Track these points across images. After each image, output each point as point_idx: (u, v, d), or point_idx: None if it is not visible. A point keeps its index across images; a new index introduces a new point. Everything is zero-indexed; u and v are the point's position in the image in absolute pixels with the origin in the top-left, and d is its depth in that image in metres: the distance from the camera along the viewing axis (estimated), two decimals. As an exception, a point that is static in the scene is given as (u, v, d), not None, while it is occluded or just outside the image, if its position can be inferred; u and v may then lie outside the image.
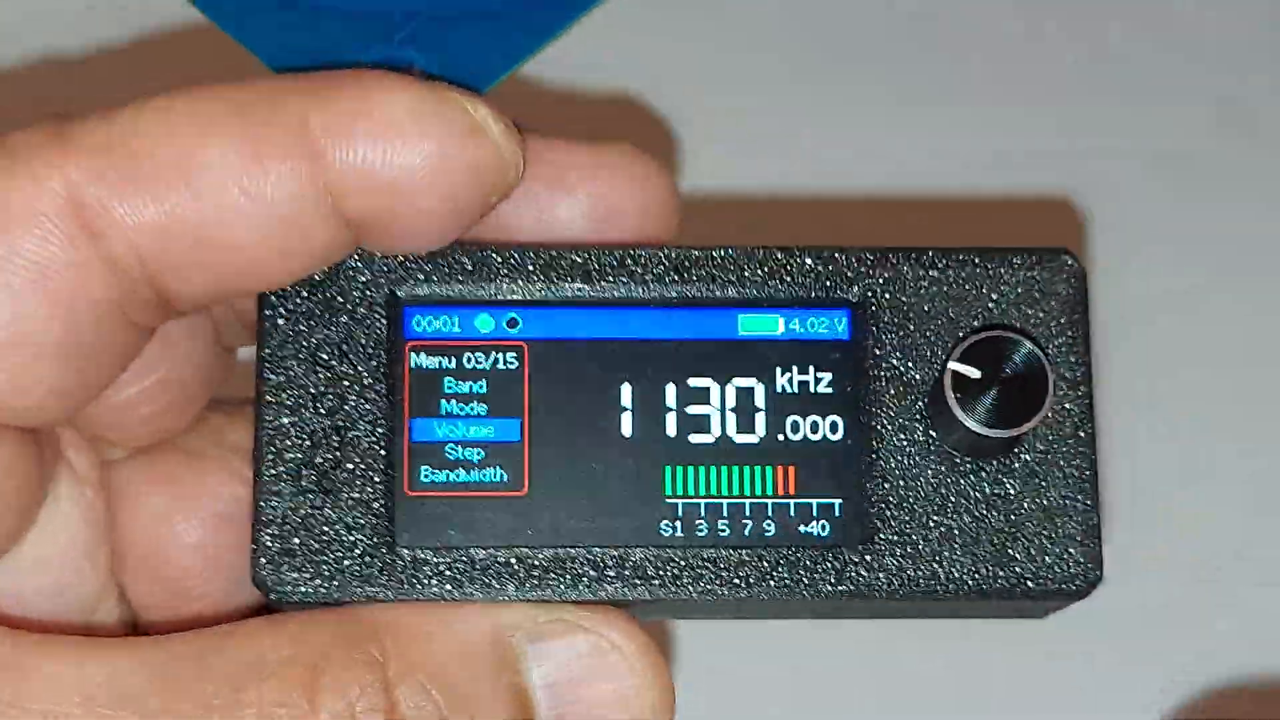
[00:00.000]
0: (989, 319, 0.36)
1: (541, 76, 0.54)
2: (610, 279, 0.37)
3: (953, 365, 0.35)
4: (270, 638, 0.34)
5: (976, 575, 0.36)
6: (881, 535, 0.36)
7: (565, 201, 0.38)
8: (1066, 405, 0.36)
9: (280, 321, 0.36)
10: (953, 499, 0.36)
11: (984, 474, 0.36)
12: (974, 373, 0.35)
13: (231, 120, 0.33)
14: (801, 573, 0.36)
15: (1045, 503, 0.36)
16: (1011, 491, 0.36)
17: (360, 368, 0.36)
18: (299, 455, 0.36)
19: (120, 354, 0.35)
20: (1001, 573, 0.36)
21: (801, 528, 0.36)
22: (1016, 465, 0.36)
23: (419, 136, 0.34)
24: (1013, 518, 0.36)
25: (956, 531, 0.36)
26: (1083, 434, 0.36)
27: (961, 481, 0.36)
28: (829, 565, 0.36)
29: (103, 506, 0.39)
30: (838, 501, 0.36)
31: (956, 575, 0.36)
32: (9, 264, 0.33)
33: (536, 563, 0.36)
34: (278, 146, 0.33)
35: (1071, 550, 0.36)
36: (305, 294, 0.36)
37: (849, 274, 0.37)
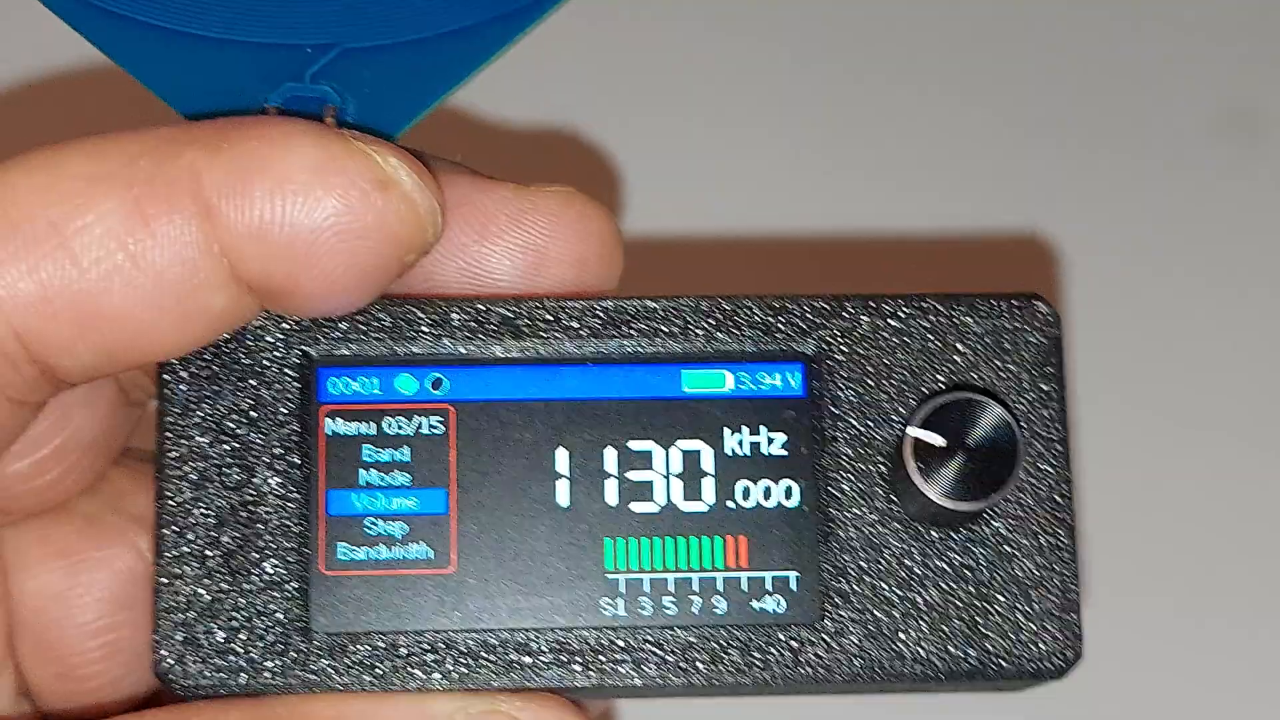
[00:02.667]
0: (954, 373, 0.34)
1: (472, 107, 0.50)
2: (543, 334, 0.34)
3: (913, 432, 0.32)
4: None
5: (945, 656, 0.33)
6: (841, 612, 0.33)
7: (494, 250, 0.34)
8: (1041, 466, 0.33)
9: (181, 388, 0.33)
10: (918, 571, 0.33)
11: (951, 543, 0.33)
12: (937, 440, 0.32)
13: (116, 177, 0.30)
14: (755, 654, 0.33)
15: (1019, 574, 0.33)
16: (982, 562, 0.33)
17: (270, 436, 0.33)
18: (204, 534, 0.33)
19: (3, 433, 0.32)
20: (972, 652, 0.33)
21: (755, 604, 0.33)
22: (987, 533, 0.33)
23: (322, 193, 0.31)
24: (983, 591, 0.33)
25: (923, 607, 0.33)
26: (1059, 498, 0.33)
27: (927, 552, 0.33)
28: (784, 645, 0.33)
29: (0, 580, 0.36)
30: (794, 574, 0.33)
31: (923, 655, 0.33)
32: None
33: (466, 648, 0.33)
34: (168, 205, 0.30)
35: (1048, 626, 0.33)
36: (209, 357, 0.33)
37: (802, 325, 0.34)
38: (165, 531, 0.33)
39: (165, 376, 0.33)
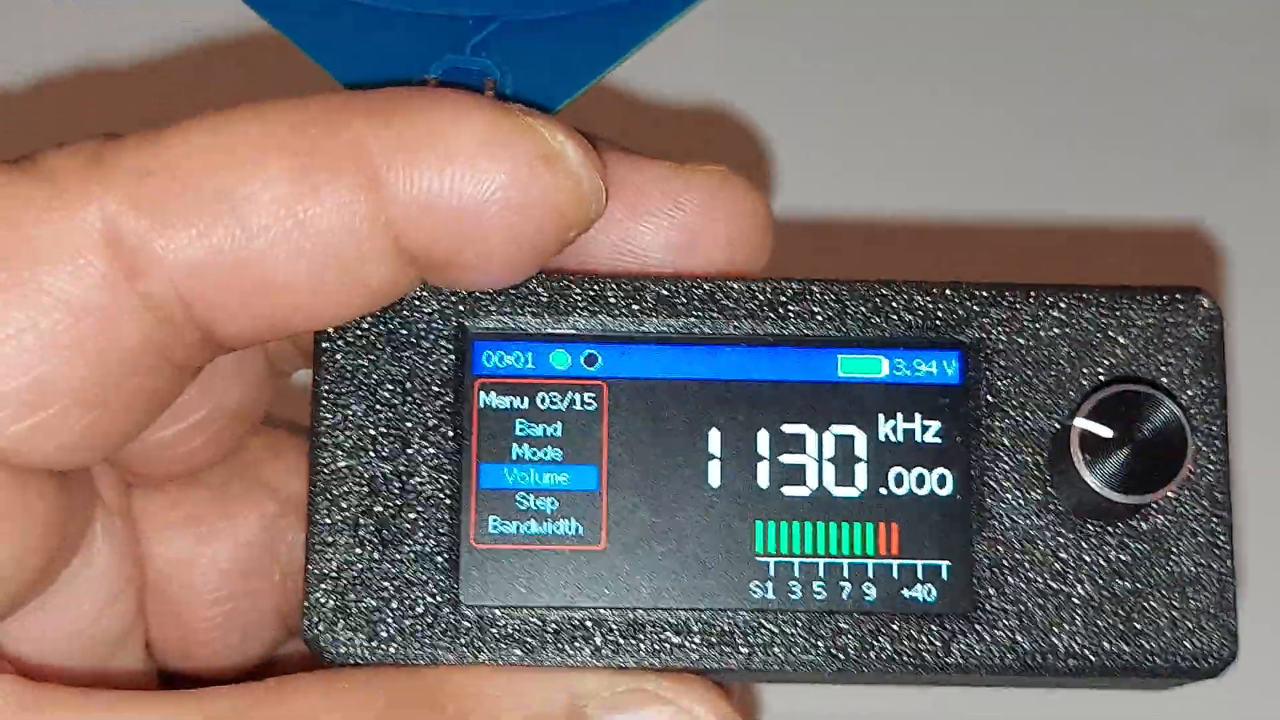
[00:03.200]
0: (1115, 366, 0.33)
1: (622, 83, 0.50)
2: (699, 314, 0.34)
3: (1080, 423, 0.32)
4: (321, 697, 0.31)
5: (1098, 650, 0.32)
6: (993, 603, 0.33)
7: (647, 228, 0.34)
8: (1201, 463, 0.33)
9: (338, 357, 0.33)
10: (1073, 564, 0.33)
11: (1108, 538, 0.33)
12: (1105, 432, 0.31)
13: (285, 144, 0.30)
14: (905, 643, 0.33)
15: (1175, 571, 0.33)
16: (1138, 558, 0.33)
17: (425, 407, 0.33)
18: (356, 503, 0.33)
19: (161, 397, 0.32)
20: (1126, 648, 0.32)
21: (905, 592, 0.33)
22: (1145, 529, 0.33)
23: (490, 166, 0.31)
24: (1139, 587, 0.33)
25: (1076, 601, 0.32)
26: (1218, 495, 0.33)
27: (1083, 545, 0.33)
28: (934, 635, 0.33)
29: (132, 540, 0.36)
30: (945, 564, 0.33)
31: (1076, 650, 0.32)
32: (37, 304, 0.30)
33: (613, 625, 0.33)
34: (336, 175, 0.30)
35: (1205, 624, 0.32)
36: (366, 326, 0.33)
37: (961, 313, 0.33)
38: (318, 499, 0.33)
39: (323, 345, 0.33)
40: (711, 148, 0.52)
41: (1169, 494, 0.32)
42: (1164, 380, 0.33)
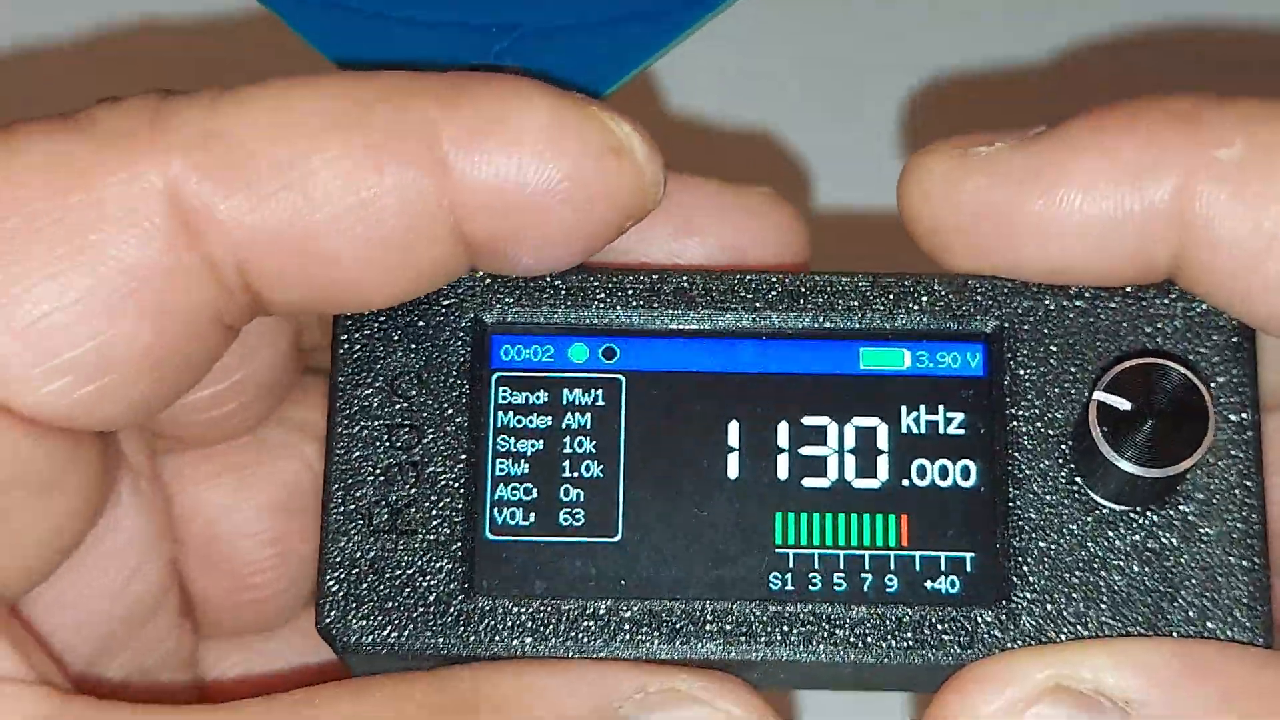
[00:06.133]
0: (1139, 350, 0.32)
1: (660, 102, 0.50)
2: (718, 306, 0.33)
3: (1098, 396, 0.31)
4: (352, 706, 0.31)
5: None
6: (1019, 593, 0.32)
7: (693, 246, 0.34)
8: (1232, 451, 0.32)
9: (356, 347, 0.33)
10: (1100, 554, 0.32)
11: (1136, 526, 0.32)
12: (1123, 404, 0.31)
13: (353, 120, 0.30)
14: (927, 633, 0.32)
15: (1206, 560, 0.32)
16: (1167, 547, 0.32)
17: (442, 399, 0.33)
18: (372, 492, 0.32)
19: (209, 358, 0.32)
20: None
21: (928, 584, 0.32)
22: (1174, 517, 0.32)
23: (557, 154, 0.30)
24: (1169, 576, 0.32)
25: (1104, 591, 0.32)
26: (1250, 484, 0.32)
27: (1110, 534, 0.32)
28: (959, 626, 0.32)
29: (160, 498, 0.36)
30: (969, 555, 0.32)
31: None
32: (102, 268, 0.30)
33: (629, 616, 0.32)
34: (402, 155, 0.30)
35: (1236, 614, 0.31)
36: (384, 317, 0.33)
37: (984, 304, 0.33)
38: (334, 488, 0.33)
39: (341, 335, 0.33)
40: (753, 167, 0.52)
41: (1196, 475, 0.32)
42: (1190, 362, 0.32)
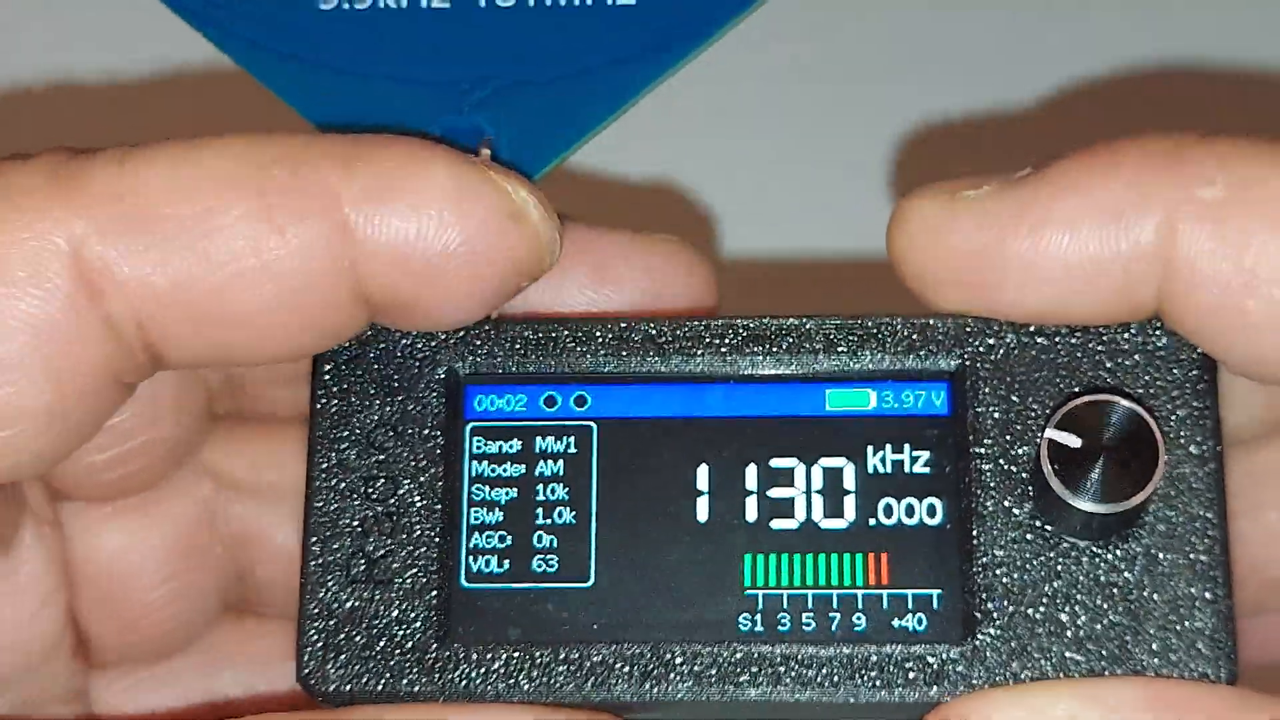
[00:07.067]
0: (1103, 390, 0.33)
1: (581, 167, 0.52)
2: (686, 352, 0.34)
3: (1050, 433, 0.31)
4: None
5: (1093, 676, 0.32)
6: (984, 630, 0.32)
7: (611, 293, 0.35)
8: (1193, 484, 0.32)
9: (334, 401, 0.34)
10: (1064, 589, 0.32)
11: (1099, 560, 0.32)
12: (1074, 441, 0.31)
13: (255, 179, 0.31)
14: (894, 671, 0.32)
15: (1169, 593, 0.32)
16: (1130, 580, 0.32)
17: (417, 450, 0.34)
18: (349, 544, 0.33)
19: (105, 413, 0.33)
20: (1121, 672, 0.32)
21: (895, 622, 0.33)
22: (1136, 550, 0.32)
23: (458, 218, 0.31)
24: (1132, 610, 0.32)
25: (1068, 626, 0.32)
26: (1210, 515, 0.32)
27: (1073, 569, 0.32)
28: (925, 664, 0.32)
29: (60, 544, 0.36)
30: (936, 593, 0.33)
31: (1070, 675, 0.32)
32: (4, 326, 0.31)
33: (601, 660, 0.33)
34: (303, 215, 0.31)
35: (1200, 646, 0.32)
36: (360, 371, 0.34)
37: (947, 343, 0.33)
38: (311, 541, 0.33)
39: (318, 390, 0.34)
40: (662, 216, 0.54)
41: (1155, 506, 0.32)
42: (1153, 402, 0.33)
